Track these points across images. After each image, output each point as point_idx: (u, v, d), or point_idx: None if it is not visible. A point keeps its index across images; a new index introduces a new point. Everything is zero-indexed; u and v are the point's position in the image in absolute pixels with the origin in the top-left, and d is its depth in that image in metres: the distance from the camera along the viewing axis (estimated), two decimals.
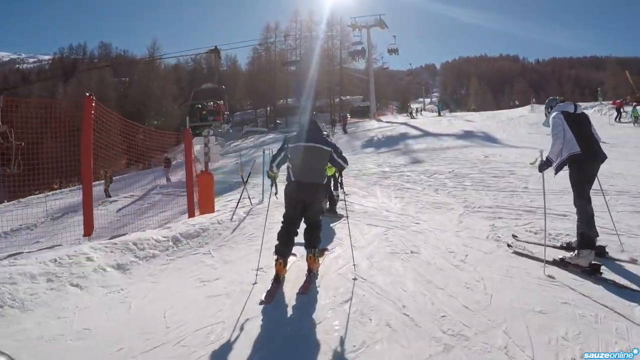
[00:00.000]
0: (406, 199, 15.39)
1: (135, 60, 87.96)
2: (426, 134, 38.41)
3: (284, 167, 7.73)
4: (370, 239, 10.22)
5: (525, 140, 31.76)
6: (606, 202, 8.28)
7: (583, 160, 7.27)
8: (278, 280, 7.09)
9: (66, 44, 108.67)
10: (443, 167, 20.62)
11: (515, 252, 8.26)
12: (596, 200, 7.61)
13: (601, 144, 7.71)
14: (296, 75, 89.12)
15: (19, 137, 12.75)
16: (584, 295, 6.05)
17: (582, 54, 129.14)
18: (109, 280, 8.45)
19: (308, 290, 6.86)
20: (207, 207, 15.58)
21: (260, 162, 16.77)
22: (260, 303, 6.52)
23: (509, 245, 8.73)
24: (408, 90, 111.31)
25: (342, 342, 5.27)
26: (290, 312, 6.34)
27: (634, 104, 41.31)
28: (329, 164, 7.61)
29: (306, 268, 7.39)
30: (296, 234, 7.36)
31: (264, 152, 15.89)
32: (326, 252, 8.88)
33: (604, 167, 7.74)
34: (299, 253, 8.17)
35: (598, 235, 7.37)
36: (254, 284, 7.32)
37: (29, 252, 10.04)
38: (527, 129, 38.91)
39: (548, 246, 7.74)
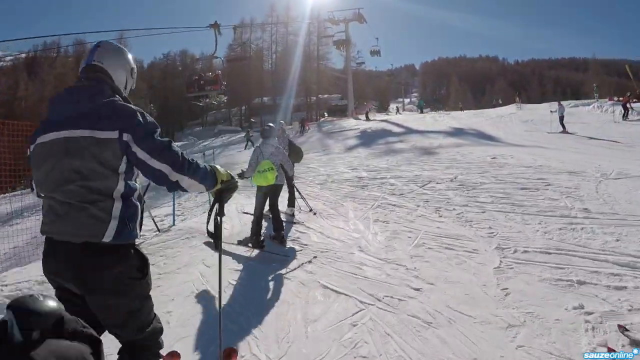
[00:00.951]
0: (392, 226, 9.89)
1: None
2: (410, 131, 32.30)
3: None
4: (318, 339, 5.11)
5: (528, 138, 26.62)
6: None
7: None
8: None
9: (40, 40, 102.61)
10: (440, 172, 15.09)
11: None
12: None
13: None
14: (272, 73, 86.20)
15: None
16: None
17: (561, 55, 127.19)
18: None
19: None
20: None
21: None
22: None
23: None
24: (387, 90, 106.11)
25: None
26: None
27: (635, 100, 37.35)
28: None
29: None
30: None
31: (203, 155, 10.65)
32: None
33: None
34: None
35: None
36: None
37: None
38: (521, 126, 33.84)
39: None
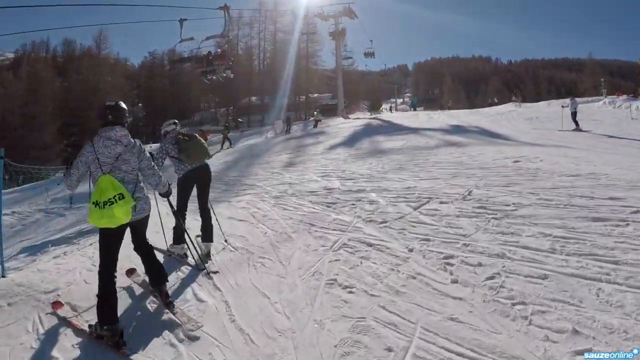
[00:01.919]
0: (358, 301, 5.22)
1: (78, 56, 77.33)
2: (401, 128, 27.22)
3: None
4: None
5: (541, 136, 21.69)
6: None
7: None
8: None
9: (29, 40, 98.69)
10: (444, 184, 10.12)
11: None
12: None
13: None
14: (261, 72, 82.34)
15: None
16: None
17: (554, 55, 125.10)
18: None
19: None
20: None
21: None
22: None
23: None
24: (380, 89, 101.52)
25: None
26: None
27: None
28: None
29: None
30: None
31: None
32: None
33: None
34: None
35: None
36: None
37: None
38: (526, 124, 29.15)
39: None
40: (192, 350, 4.56)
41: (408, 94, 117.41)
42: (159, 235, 7.38)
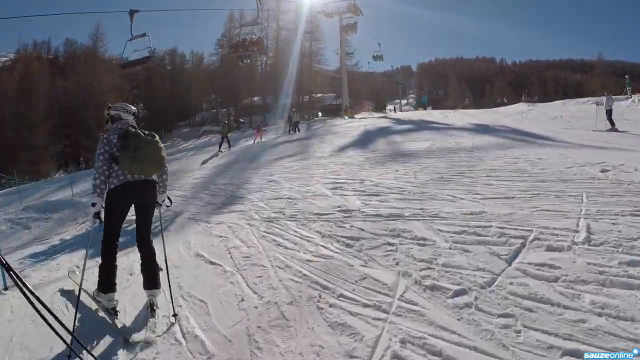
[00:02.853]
0: None
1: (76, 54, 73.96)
2: (420, 127, 22.97)
3: None
4: None
5: (586, 137, 18.10)
6: None
7: None
8: None
9: (30, 40, 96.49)
10: (527, 208, 6.45)
11: None
12: None
13: None
14: (263, 72, 78.28)
15: None
16: None
17: (558, 56, 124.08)
18: None
19: None
20: None
21: None
22: None
23: None
24: (384, 90, 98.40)
25: None
26: None
27: None
28: None
29: None
30: None
31: None
32: None
33: None
34: None
35: None
36: None
37: None
38: (552, 123, 25.72)
39: None
40: None
41: (412, 95, 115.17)
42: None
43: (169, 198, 5.85)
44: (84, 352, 3.63)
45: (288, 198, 9.60)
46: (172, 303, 4.90)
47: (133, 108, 5.71)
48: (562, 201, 6.36)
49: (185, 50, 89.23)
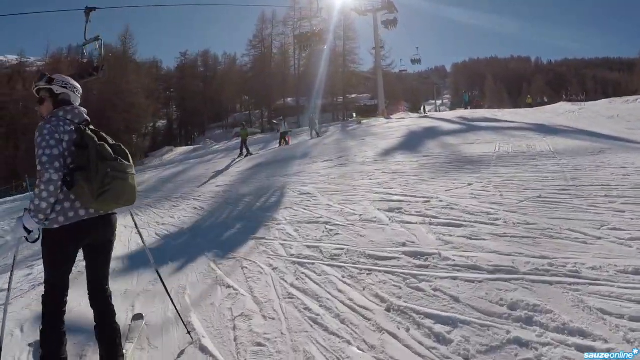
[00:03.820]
0: None
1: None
2: (471, 127, 19.28)
3: None
4: None
5: None
6: None
7: None
8: None
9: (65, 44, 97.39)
10: None
11: None
12: None
13: None
14: (297, 72, 76.16)
15: None
16: None
17: (595, 55, 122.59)
18: None
19: None
20: None
21: None
22: None
23: None
24: (418, 91, 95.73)
25: None
26: None
27: None
28: None
29: None
30: None
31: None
32: None
33: None
34: None
35: None
36: None
37: None
38: (612, 123, 21.07)
39: None
40: None
41: (447, 96, 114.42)
42: None
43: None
44: None
45: (326, 223, 7.00)
46: None
47: (79, 86, 3.92)
48: None
49: (218, 52, 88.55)
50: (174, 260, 6.96)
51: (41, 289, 3.50)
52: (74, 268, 3.50)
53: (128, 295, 5.66)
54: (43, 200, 3.13)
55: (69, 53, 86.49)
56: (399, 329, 3.45)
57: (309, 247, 5.99)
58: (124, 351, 3.68)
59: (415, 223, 6.08)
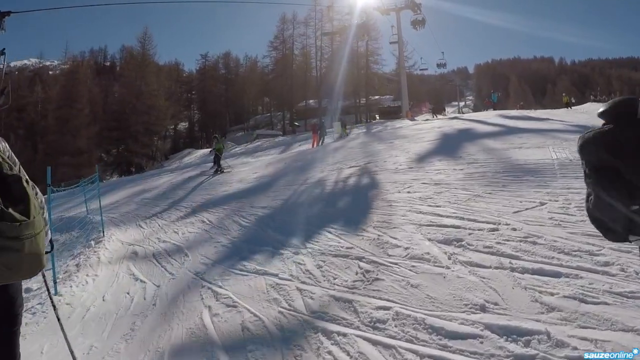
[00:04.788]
0: None
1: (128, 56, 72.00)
2: (512, 129, 16.98)
3: None
4: None
5: None
6: None
7: None
8: None
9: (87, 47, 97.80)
10: None
11: None
12: None
13: None
14: (318, 74, 73.21)
15: None
16: None
17: (618, 54, 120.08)
18: None
19: None
20: None
21: None
22: None
23: None
24: (441, 92, 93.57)
25: None
26: None
27: None
28: None
29: None
30: None
31: None
32: None
33: None
34: None
35: None
36: None
37: None
38: None
39: None
40: None
41: (470, 97, 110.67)
42: None
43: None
44: None
45: (359, 259, 5.26)
46: None
47: None
48: None
49: (239, 54, 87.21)
50: (161, 300, 5.66)
51: None
52: None
53: None
54: None
55: (92, 55, 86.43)
56: None
57: (336, 299, 4.28)
58: None
59: (489, 267, 4.28)
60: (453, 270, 4.34)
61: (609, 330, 2.92)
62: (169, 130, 73.76)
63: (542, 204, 6.05)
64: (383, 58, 72.90)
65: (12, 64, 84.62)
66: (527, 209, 5.95)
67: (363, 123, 56.45)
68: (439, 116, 44.64)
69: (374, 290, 4.27)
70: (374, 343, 3.30)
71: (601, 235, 2.20)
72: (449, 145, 13.92)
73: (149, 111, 61.89)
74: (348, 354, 3.23)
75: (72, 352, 3.32)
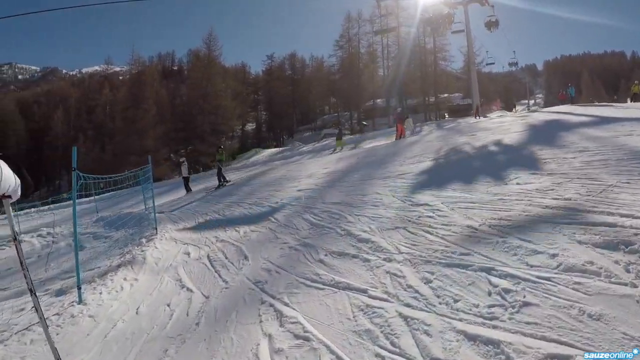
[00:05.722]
0: None
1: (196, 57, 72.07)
2: (608, 119, 14.56)
3: None
4: None
5: None
6: None
7: None
8: None
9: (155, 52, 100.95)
10: None
11: None
12: None
13: None
14: (385, 72, 70.86)
15: None
16: None
17: None
18: None
19: None
20: None
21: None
22: None
23: None
24: (510, 89, 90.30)
25: None
26: None
27: None
28: None
29: None
30: None
31: None
32: None
33: None
34: None
35: None
36: None
37: None
38: None
39: None
40: None
41: (539, 95, 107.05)
42: None
43: None
44: None
45: (488, 271, 3.75)
46: None
47: None
48: None
49: (305, 55, 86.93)
50: (207, 318, 4.58)
51: None
52: None
53: None
54: None
55: (160, 59, 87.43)
56: None
57: (470, 337, 2.72)
58: None
59: None
60: None
61: None
62: (236, 130, 74.03)
63: None
64: (451, 54, 70.59)
65: (83, 70, 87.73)
66: None
67: (433, 121, 54.62)
68: (505, 114, 42.85)
69: (528, 323, 2.73)
70: None
71: None
72: (543, 135, 11.85)
73: (216, 111, 61.83)
74: None
75: None
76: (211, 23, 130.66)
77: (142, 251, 8.14)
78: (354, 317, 3.44)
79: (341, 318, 3.47)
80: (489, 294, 3.27)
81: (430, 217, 5.75)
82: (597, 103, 47.99)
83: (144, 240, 9.27)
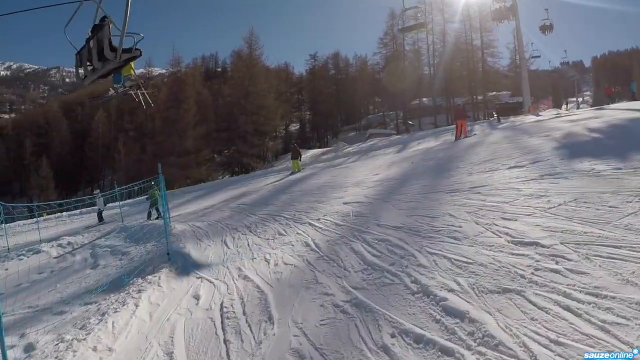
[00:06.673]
0: None
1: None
2: None
3: None
4: None
5: None
6: None
7: None
8: None
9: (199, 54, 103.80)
10: None
11: None
12: None
13: None
14: (431, 70, 69.25)
15: None
16: None
17: None
18: None
19: None
20: None
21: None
22: None
23: None
24: (558, 87, 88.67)
25: None
26: None
27: None
28: None
29: None
30: None
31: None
32: None
33: None
34: None
35: None
36: None
37: None
38: None
39: None
40: None
41: (587, 92, 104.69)
42: None
43: None
44: None
45: None
46: None
47: None
48: None
49: (348, 54, 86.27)
50: None
51: None
52: None
53: None
54: None
55: (203, 61, 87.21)
56: None
57: None
58: None
59: None
60: None
61: None
62: (279, 131, 73.21)
63: None
64: (499, 51, 67.46)
65: None
66: None
67: (482, 120, 52.01)
68: (561, 111, 41.14)
69: None
70: None
71: None
72: (634, 137, 9.32)
73: (258, 111, 60.67)
74: None
75: None
76: (253, 24, 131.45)
77: (139, 292, 6.13)
78: None
79: None
80: None
81: (554, 270, 3.58)
82: None
83: (148, 275, 7.17)
